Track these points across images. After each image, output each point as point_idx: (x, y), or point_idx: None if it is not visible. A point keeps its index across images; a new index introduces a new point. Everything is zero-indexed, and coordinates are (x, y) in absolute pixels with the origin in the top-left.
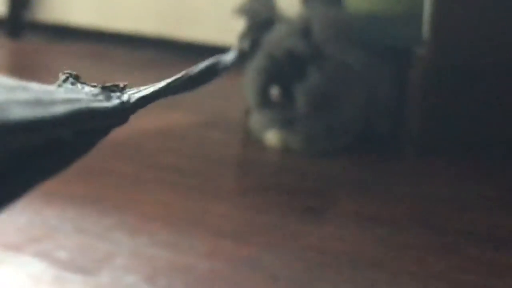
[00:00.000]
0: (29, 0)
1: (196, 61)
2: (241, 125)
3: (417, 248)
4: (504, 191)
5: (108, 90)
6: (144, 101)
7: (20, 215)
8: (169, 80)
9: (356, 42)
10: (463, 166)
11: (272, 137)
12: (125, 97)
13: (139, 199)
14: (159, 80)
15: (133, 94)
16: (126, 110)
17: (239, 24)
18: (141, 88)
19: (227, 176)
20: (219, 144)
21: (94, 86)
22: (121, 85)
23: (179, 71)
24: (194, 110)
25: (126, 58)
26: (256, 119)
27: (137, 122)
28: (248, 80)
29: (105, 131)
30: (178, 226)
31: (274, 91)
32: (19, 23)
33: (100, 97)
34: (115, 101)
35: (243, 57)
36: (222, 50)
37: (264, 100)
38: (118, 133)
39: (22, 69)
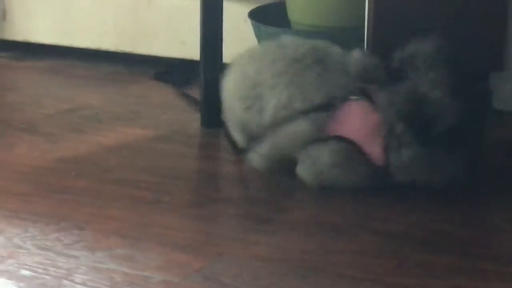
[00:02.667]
0: None
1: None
2: (197, 138)
3: (356, 253)
4: (441, 196)
5: None
6: None
7: None
8: None
9: None
10: None
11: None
12: None
13: (97, 214)
14: (119, 91)
15: None
16: None
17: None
18: None
19: (182, 189)
20: (175, 157)
21: None
22: None
23: (137, 83)
24: (151, 124)
25: (87, 72)
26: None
27: (96, 138)
28: None
29: None
30: (134, 240)
31: None
32: None
33: None
34: None
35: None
36: (175, 62)
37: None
38: (77, 150)
39: None
